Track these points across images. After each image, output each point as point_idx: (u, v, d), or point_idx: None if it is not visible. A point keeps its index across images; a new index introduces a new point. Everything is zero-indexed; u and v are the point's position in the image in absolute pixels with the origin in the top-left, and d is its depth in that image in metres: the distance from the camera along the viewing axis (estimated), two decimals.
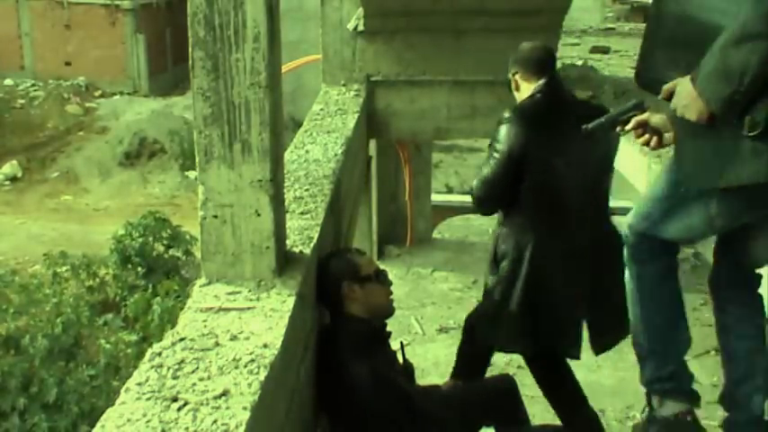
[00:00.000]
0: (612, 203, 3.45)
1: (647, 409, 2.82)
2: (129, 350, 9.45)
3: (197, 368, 1.80)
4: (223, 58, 2.11)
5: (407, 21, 5.66)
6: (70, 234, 15.55)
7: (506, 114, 3.15)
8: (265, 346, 1.90)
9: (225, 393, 1.71)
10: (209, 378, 1.77)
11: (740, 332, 2.72)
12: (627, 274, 2.71)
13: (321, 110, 5.01)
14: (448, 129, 5.95)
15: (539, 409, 3.53)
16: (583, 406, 3.43)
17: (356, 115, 4.84)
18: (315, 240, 2.58)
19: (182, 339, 1.93)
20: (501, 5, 5.52)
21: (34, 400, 8.82)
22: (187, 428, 1.59)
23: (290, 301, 2.13)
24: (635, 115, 2.58)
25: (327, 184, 3.26)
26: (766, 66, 2.07)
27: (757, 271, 2.73)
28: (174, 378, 1.76)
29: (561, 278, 3.24)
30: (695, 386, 2.82)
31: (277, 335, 1.95)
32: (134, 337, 9.74)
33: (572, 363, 3.42)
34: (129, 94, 22.27)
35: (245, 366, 1.81)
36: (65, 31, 22.48)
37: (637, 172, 4.78)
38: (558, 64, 5.86)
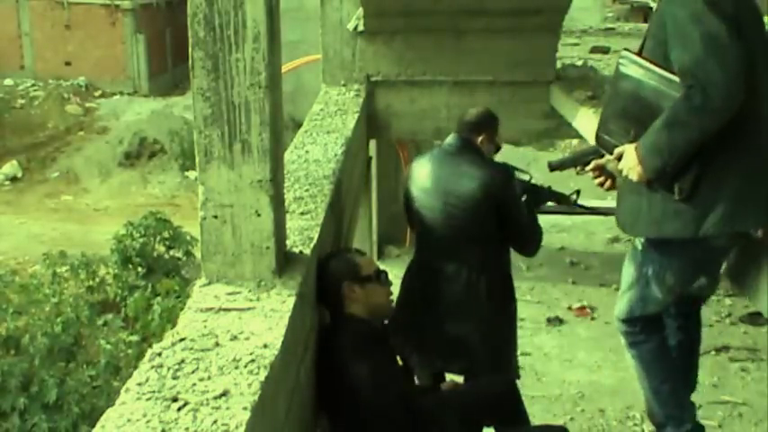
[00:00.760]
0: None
1: None
2: (129, 350, 9.44)
3: (197, 368, 1.80)
4: (223, 58, 2.11)
5: (407, 21, 5.67)
6: (70, 234, 15.53)
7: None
8: (265, 346, 1.90)
9: (225, 393, 1.70)
10: (209, 378, 1.77)
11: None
12: (629, 357, 3.02)
13: (321, 110, 5.01)
14: (448, 129, 5.91)
15: (539, 409, 3.54)
16: None
17: (356, 115, 4.84)
18: (315, 240, 2.58)
19: (182, 339, 1.93)
20: (501, 5, 5.53)
21: (34, 401, 8.78)
22: (187, 429, 1.59)
23: (290, 302, 2.13)
24: (594, 158, 3.02)
25: (327, 184, 3.26)
26: (690, 147, 2.51)
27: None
28: (174, 378, 1.76)
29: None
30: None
31: (277, 335, 1.95)
32: (134, 338, 9.72)
33: (572, 363, 3.43)
34: (129, 94, 22.24)
35: (245, 366, 1.81)
36: (65, 31, 22.46)
37: None
38: (558, 64, 5.90)
